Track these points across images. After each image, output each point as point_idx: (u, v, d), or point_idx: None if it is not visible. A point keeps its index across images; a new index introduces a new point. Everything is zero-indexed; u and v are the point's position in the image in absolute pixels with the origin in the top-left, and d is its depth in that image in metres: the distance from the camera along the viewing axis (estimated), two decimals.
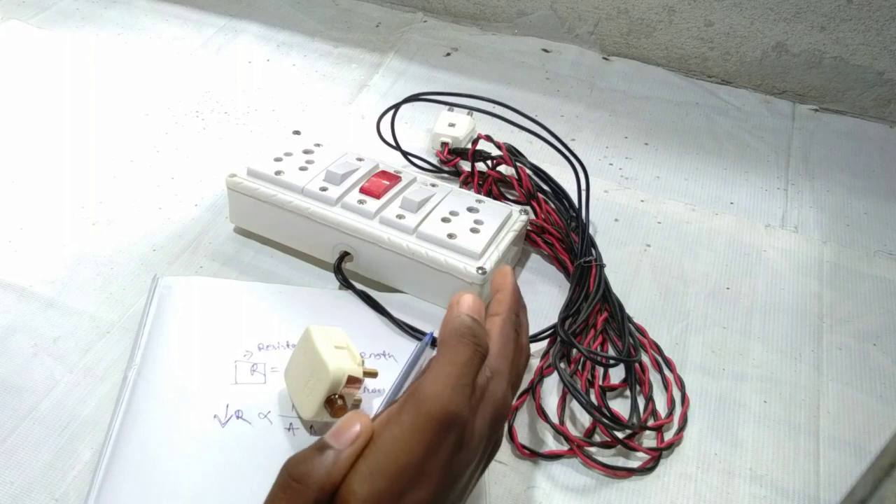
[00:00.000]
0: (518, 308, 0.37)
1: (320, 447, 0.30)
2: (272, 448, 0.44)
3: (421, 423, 0.29)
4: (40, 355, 0.50)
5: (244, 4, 0.89)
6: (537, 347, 0.53)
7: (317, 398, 0.43)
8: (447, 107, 0.67)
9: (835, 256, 0.62)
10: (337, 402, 0.43)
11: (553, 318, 0.53)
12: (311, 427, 0.46)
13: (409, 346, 0.51)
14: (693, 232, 0.63)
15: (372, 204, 0.54)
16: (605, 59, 0.84)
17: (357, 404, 0.45)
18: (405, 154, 0.65)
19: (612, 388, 0.50)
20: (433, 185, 0.57)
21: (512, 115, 0.60)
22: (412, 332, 0.52)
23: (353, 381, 0.43)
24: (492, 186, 0.63)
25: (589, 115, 0.76)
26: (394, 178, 0.57)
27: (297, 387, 0.45)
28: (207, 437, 0.45)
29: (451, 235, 0.53)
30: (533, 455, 0.47)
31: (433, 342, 0.48)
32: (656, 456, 0.47)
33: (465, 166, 0.65)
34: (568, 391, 0.48)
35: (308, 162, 0.58)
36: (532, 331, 0.53)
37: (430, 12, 0.89)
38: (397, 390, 0.46)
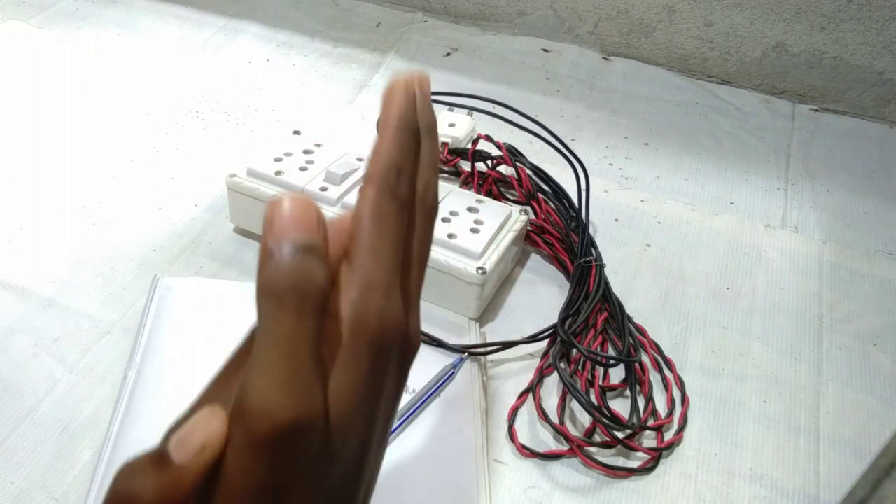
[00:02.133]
0: (402, 154, 0.25)
1: (159, 459, 0.22)
2: None
3: (254, 447, 0.22)
4: (40, 355, 0.51)
5: (244, 4, 0.89)
6: (537, 347, 0.53)
7: None
8: (447, 107, 0.67)
9: (835, 256, 0.62)
10: None
11: (553, 318, 0.53)
12: None
13: None
14: (693, 232, 0.63)
15: None
16: (605, 59, 0.84)
17: None
18: None
19: (612, 388, 0.50)
20: None
21: (512, 115, 0.60)
22: None
23: None
24: (492, 186, 0.63)
25: (589, 115, 0.76)
26: None
27: None
28: None
29: (450, 235, 0.53)
30: (533, 455, 0.47)
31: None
32: (656, 456, 0.47)
33: (465, 166, 0.65)
34: (568, 391, 0.48)
35: (308, 162, 0.58)
36: (532, 331, 0.53)
37: (430, 12, 0.89)
38: (411, 413, 0.46)
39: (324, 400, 0.22)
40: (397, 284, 0.25)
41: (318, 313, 0.22)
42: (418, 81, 0.25)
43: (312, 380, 0.22)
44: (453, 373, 0.50)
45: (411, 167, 0.25)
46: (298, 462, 0.22)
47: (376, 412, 0.25)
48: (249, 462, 0.22)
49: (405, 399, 0.48)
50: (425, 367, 0.50)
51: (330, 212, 0.54)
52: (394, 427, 0.46)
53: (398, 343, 0.25)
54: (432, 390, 0.48)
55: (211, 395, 0.25)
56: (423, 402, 0.48)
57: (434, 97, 0.63)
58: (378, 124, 0.25)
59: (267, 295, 0.22)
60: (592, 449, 0.47)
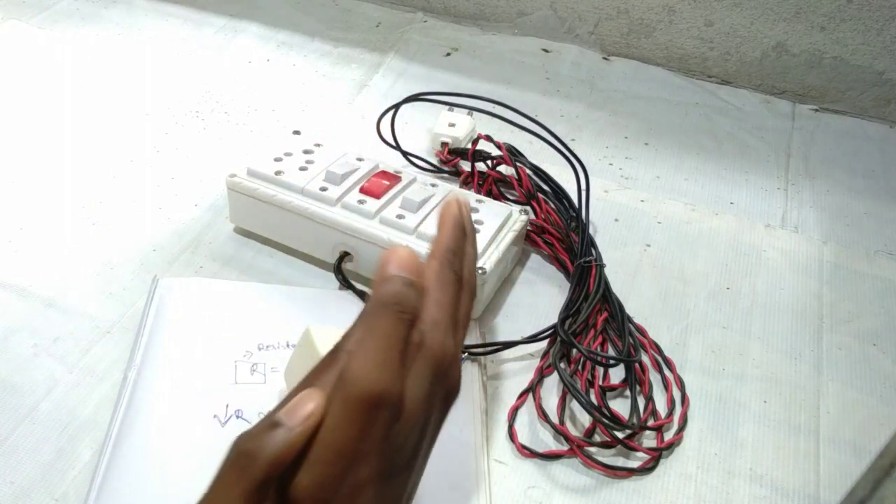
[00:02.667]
0: (457, 244, 0.35)
1: (272, 424, 0.29)
2: None
3: (349, 407, 0.28)
4: (40, 355, 0.51)
5: (244, 4, 0.89)
6: (537, 347, 0.53)
7: None
8: (447, 107, 0.67)
9: (835, 256, 0.62)
10: None
11: (553, 318, 0.53)
12: None
13: None
14: (693, 232, 0.63)
15: (372, 204, 0.54)
16: (605, 59, 0.84)
17: None
18: (405, 154, 0.65)
19: (612, 388, 0.50)
20: (433, 185, 0.57)
21: (512, 115, 0.60)
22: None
23: None
24: (492, 186, 0.63)
25: (589, 115, 0.76)
26: (394, 178, 0.57)
27: None
28: (207, 437, 0.45)
29: None
30: (533, 455, 0.47)
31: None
32: (656, 456, 0.47)
33: (465, 166, 0.65)
34: (568, 391, 0.48)
35: (308, 162, 0.58)
36: (532, 331, 0.53)
37: (430, 12, 0.89)
38: None
39: (403, 389, 0.29)
40: (453, 331, 0.33)
41: (409, 326, 0.31)
42: (466, 202, 0.36)
43: (399, 368, 0.30)
44: None
45: (461, 253, 0.35)
46: (377, 431, 0.29)
47: (428, 422, 0.32)
48: (343, 422, 0.28)
49: None
50: None
51: (330, 212, 0.54)
52: None
53: (448, 375, 0.32)
54: None
55: (308, 383, 0.31)
56: None
57: (434, 97, 0.63)
58: (438, 222, 0.36)
59: (379, 303, 0.30)
60: (592, 449, 0.47)
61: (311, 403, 0.29)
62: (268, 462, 0.28)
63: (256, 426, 0.29)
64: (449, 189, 0.57)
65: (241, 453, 0.28)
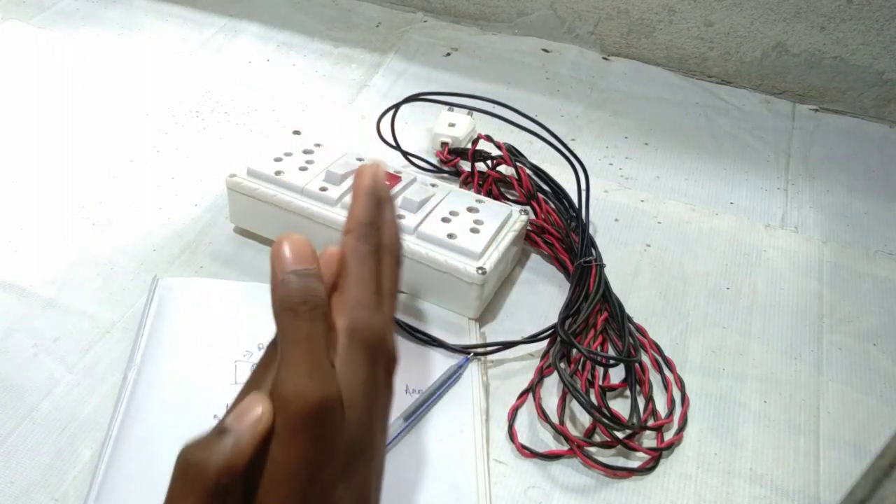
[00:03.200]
0: (371, 215, 0.33)
1: (220, 431, 0.27)
2: None
3: (292, 427, 0.27)
4: (40, 355, 0.51)
5: (244, 4, 0.89)
6: (537, 347, 0.53)
7: None
8: (447, 107, 0.67)
9: (835, 256, 0.62)
10: None
11: (553, 318, 0.53)
12: None
13: (409, 346, 0.51)
14: (693, 232, 0.63)
15: None
16: (605, 59, 0.84)
17: None
18: (405, 154, 0.65)
19: (612, 388, 0.50)
20: (433, 185, 0.57)
21: (512, 115, 0.60)
22: (412, 332, 0.52)
23: None
24: (492, 186, 0.63)
25: (589, 115, 0.76)
26: (394, 178, 0.57)
27: None
28: None
29: (451, 235, 0.53)
30: (533, 455, 0.47)
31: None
32: (656, 456, 0.47)
33: (465, 166, 0.65)
34: (568, 391, 0.48)
35: (308, 162, 0.58)
36: (532, 331, 0.53)
37: (430, 12, 0.89)
38: (419, 413, 0.47)
39: (338, 385, 0.28)
40: (378, 305, 0.32)
41: (325, 318, 0.29)
42: (378, 168, 0.35)
43: (329, 369, 0.28)
44: (459, 373, 0.50)
45: (378, 223, 0.34)
46: (326, 438, 0.28)
47: (375, 403, 0.31)
48: (290, 440, 0.27)
49: (410, 400, 0.48)
50: (427, 367, 0.50)
51: (331, 212, 0.54)
52: (401, 428, 0.46)
53: (383, 349, 0.31)
54: (439, 391, 0.48)
55: (252, 386, 0.30)
56: (431, 402, 0.48)
57: (434, 97, 0.63)
58: (352, 193, 0.34)
59: (284, 309, 0.29)
60: (592, 449, 0.47)
61: (257, 407, 0.28)
62: (217, 471, 0.26)
63: (203, 435, 0.28)
64: (449, 189, 0.57)
65: (189, 464, 0.27)
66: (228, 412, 0.29)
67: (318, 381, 0.28)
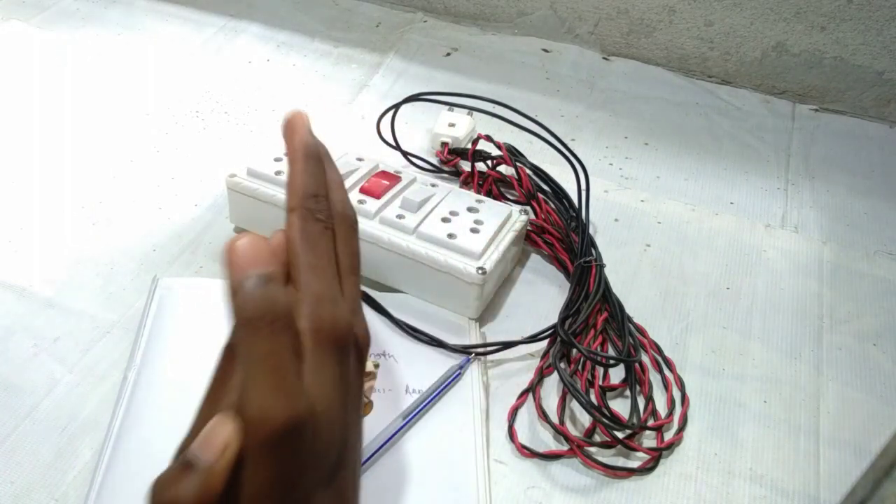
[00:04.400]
0: (315, 183, 0.29)
1: (187, 464, 0.25)
2: None
3: (262, 451, 0.25)
4: (40, 355, 0.51)
5: (244, 4, 0.89)
6: (537, 347, 0.53)
7: None
8: (447, 107, 0.67)
9: (835, 256, 0.62)
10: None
11: (553, 318, 0.53)
12: None
13: (409, 346, 0.51)
14: (693, 232, 0.63)
15: (372, 204, 0.54)
16: (605, 59, 0.84)
17: (369, 405, 0.46)
18: (405, 154, 0.65)
19: (612, 388, 0.50)
20: (433, 185, 0.57)
21: (512, 115, 0.60)
22: (412, 332, 0.52)
23: (366, 375, 0.43)
24: (492, 186, 0.63)
25: (589, 115, 0.76)
26: (394, 178, 0.57)
27: None
28: None
29: (451, 235, 0.53)
30: (533, 455, 0.47)
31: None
32: (656, 456, 0.47)
33: (465, 166, 0.65)
34: (568, 391, 0.48)
35: None
36: (532, 331, 0.53)
37: (430, 12, 0.89)
38: (418, 412, 0.47)
39: (307, 397, 0.26)
40: (340, 291, 0.29)
41: (288, 329, 0.27)
42: (304, 116, 0.30)
43: (295, 383, 0.26)
44: (459, 373, 0.50)
45: (324, 190, 0.29)
46: (299, 453, 0.26)
47: (347, 400, 0.29)
48: (261, 462, 0.26)
49: (410, 399, 0.48)
50: (428, 367, 0.50)
51: None
52: (400, 426, 0.46)
53: (351, 339, 0.29)
54: (439, 391, 0.48)
55: (212, 404, 0.28)
56: (430, 401, 0.48)
57: (434, 97, 0.63)
58: (287, 154, 0.30)
59: (242, 324, 0.26)
60: (592, 449, 0.47)
61: (223, 432, 0.25)
62: None
63: (171, 468, 0.26)
64: (449, 189, 0.57)
65: None
66: (191, 435, 0.27)
67: (283, 400, 0.26)
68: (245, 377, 0.26)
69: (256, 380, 0.26)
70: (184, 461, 0.25)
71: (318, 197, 0.29)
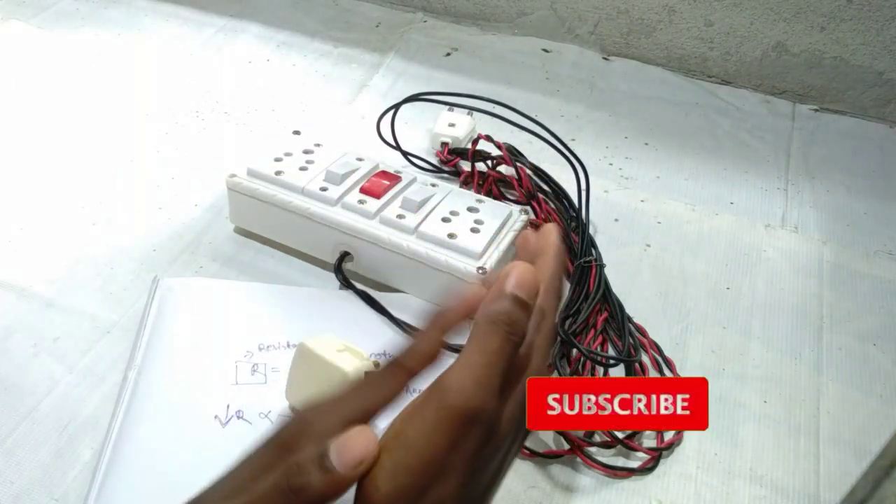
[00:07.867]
0: (560, 272, 0.34)
1: (322, 464, 0.28)
2: None
3: (443, 418, 0.28)
4: (40, 355, 0.50)
5: (244, 4, 0.89)
6: None
7: None
8: (447, 107, 0.67)
9: (835, 256, 0.62)
10: None
11: None
12: None
13: None
14: (693, 232, 0.63)
15: (372, 204, 0.54)
16: (605, 59, 0.84)
17: None
18: (405, 154, 0.65)
19: None
20: (433, 185, 0.57)
21: (512, 115, 0.60)
22: (412, 332, 0.52)
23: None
24: (492, 186, 0.63)
25: (589, 115, 0.76)
26: (394, 178, 0.57)
27: None
28: (208, 437, 0.45)
29: (451, 235, 0.53)
30: (533, 455, 0.47)
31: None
32: (656, 456, 0.47)
33: (465, 166, 0.65)
34: None
35: (308, 162, 0.58)
36: None
37: (430, 12, 0.89)
38: None
39: (498, 405, 0.29)
40: (543, 350, 0.32)
41: (515, 348, 0.30)
42: (560, 233, 0.35)
43: (497, 389, 0.29)
44: None
45: (560, 283, 0.34)
46: (467, 446, 0.28)
47: (511, 449, 0.31)
48: (433, 428, 0.28)
49: (410, 399, 0.47)
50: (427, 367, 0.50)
51: (330, 211, 0.54)
52: None
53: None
54: None
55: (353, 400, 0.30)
56: None
57: (434, 97, 0.63)
58: (542, 248, 0.34)
59: (489, 319, 0.29)
60: (592, 449, 0.47)
61: (362, 449, 0.28)
62: (317, 500, 0.27)
63: (306, 459, 0.28)
64: (449, 189, 0.57)
65: (291, 487, 0.28)
66: (408, 352, 0.31)
67: (484, 392, 0.28)
68: (464, 357, 0.29)
69: (473, 363, 0.29)
70: (321, 459, 0.28)
71: (559, 281, 0.34)
